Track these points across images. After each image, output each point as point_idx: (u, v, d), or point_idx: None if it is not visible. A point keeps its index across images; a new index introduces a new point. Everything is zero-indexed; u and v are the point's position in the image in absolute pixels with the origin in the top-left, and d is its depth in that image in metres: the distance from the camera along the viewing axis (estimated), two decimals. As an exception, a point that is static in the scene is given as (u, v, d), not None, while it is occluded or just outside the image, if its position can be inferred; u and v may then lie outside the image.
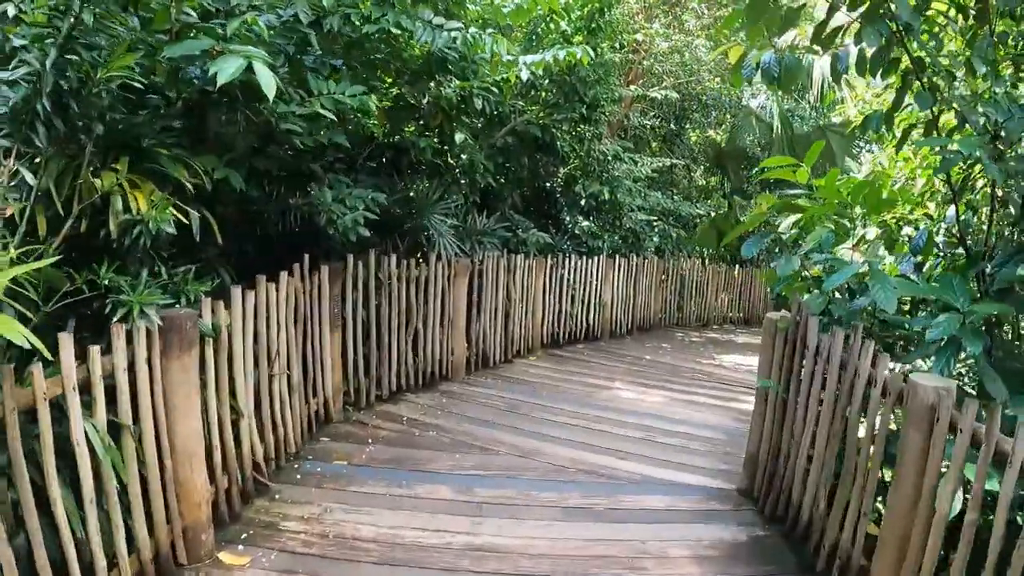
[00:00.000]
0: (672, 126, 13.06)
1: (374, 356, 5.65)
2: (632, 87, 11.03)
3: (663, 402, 6.40)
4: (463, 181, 7.22)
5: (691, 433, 5.44)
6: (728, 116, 13.78)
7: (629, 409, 6.02)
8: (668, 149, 13.20)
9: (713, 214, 12.58)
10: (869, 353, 2.92)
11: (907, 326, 3.45)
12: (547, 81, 7.59)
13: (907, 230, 4.64)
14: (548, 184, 9.37)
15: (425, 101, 5.78)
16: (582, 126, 8.37)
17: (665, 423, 5.65)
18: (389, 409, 5.59)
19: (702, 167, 14.73)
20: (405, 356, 5.99)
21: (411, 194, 6.58)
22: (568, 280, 8.60)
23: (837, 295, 3.73)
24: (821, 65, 9.41)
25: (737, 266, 12.15)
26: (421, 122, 6.31)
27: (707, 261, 11.80)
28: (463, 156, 6.88)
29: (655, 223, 10.59)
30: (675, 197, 11.64)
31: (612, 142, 9.92)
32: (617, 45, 8.89)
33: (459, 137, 6.24)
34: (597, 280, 9.06)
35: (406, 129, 6.25)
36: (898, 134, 4.05)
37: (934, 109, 3.47)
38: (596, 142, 8.94)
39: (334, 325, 5.09)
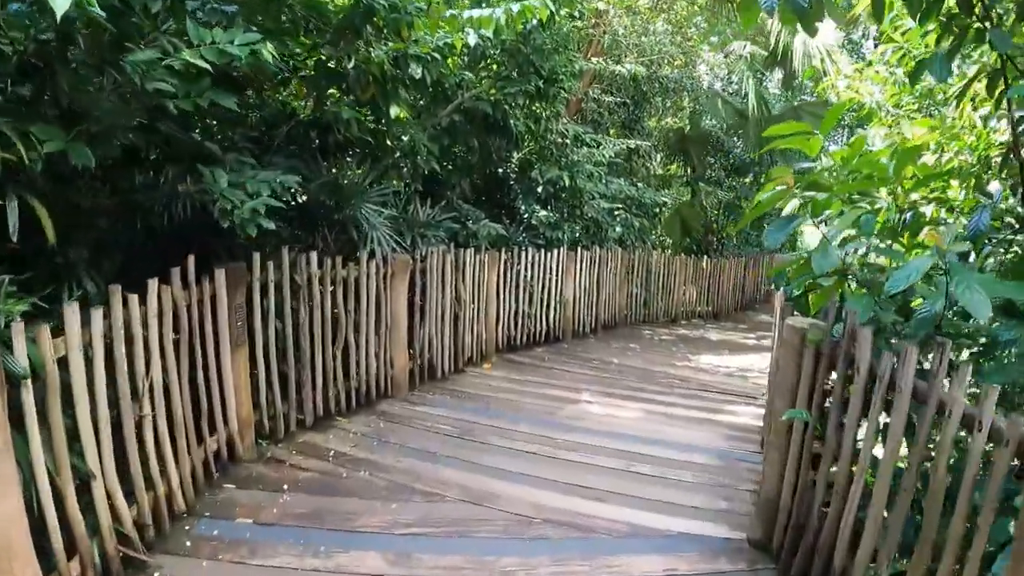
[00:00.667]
0: (632, 112, 12.19)
1: (293, 376, 4.64)
2: (594, 59, 10.13)
3: (639, 417, 5.51)
4: (403, 166, 6.25)
5: (677, 459, 4.54)
6: (687, 101, 13.04)
7: (601, 429, 5.10)
8: (627, 136, 12.37)
9: (678, 202, 11.82)
10: (964, 384, 2.06)
11: (978, 336, 2.63)
12: (498, 51, 6.68)
13: (928, 209, 3.86)
14: (501, 170, 8.42)
15: (351, 66, 4.75)
16: (538, 103, 7.42)
17: (645, 446, 4.74)
18: (313, 440, 4.59)
19: (661, 155, 13.97)
20: (333, 373, 4.98)
21: (342, 181, 5.59)
22: (525, 276, 7.67)
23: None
24: (804, 41, 8.74)
25: (705, 256, 11.39)
26: (350, 96, 5.28)
27: (671, 252, 11.02)
28: (403, 137, 5.91)
29: (617, 212, 9.71)
30: (638, 185, 10.81)
31: (571, 123, 9.03)
32: (577, 14, 7.98)
33: (395, 111, 5.21)
34: (557, 275, 8.13)
35: (339, 105, 5.22)
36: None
37: (1008, 54, 2.65)
38: (554, 122, 8.01)
39: (237, 341, 4.06)
